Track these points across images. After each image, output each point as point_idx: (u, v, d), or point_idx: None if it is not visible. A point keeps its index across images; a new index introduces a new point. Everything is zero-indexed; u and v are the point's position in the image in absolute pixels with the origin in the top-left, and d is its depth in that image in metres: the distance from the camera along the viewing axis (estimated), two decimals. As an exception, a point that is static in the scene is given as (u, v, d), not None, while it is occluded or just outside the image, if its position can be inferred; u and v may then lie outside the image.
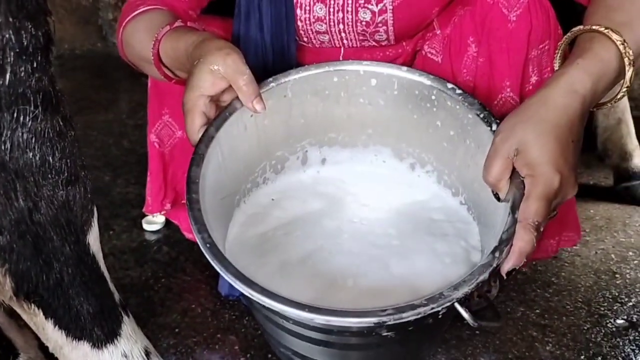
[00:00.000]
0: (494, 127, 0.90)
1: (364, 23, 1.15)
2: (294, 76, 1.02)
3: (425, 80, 1.00)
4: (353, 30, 1.17)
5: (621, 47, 0.81)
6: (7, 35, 0.63)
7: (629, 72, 0.83)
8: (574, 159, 0.79)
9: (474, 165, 0.96)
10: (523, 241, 0.76)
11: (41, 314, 0.77)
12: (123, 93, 2.03)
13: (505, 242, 0.77)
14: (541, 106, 0.80)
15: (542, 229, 0.77)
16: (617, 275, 1.33)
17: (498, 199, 0.83)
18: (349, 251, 0.98)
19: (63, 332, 0.79)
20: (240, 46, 1.19)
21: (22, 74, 0.63)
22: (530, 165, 0.78)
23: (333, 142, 1.11)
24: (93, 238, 0.77)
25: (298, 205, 1.07)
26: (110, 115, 1.97)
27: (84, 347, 0.80)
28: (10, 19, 0.62)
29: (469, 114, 0.95)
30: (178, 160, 1.31)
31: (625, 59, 0.82)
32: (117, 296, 0.83)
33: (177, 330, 1.27)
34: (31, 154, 0.67)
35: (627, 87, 0.84)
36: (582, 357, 1.14)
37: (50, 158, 0.69)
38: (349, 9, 1.14)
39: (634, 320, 1.22)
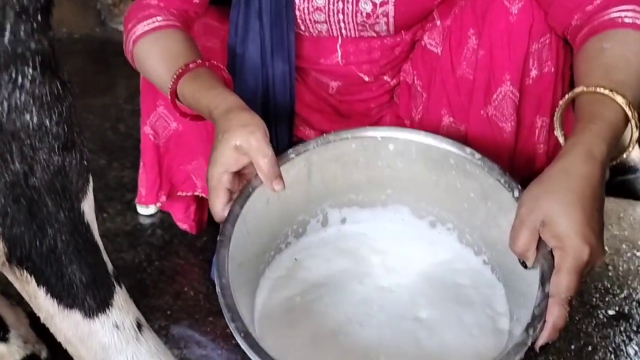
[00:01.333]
0: (516, 192, 0.91)
1: (364, 14, 1.15)
2: (313, 145, 1.04)
3: (443, 145, 1.01)
4: (353, 20, 1.16)
5: (627, 110, 0.82)
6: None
7: (635, 134, 0.84)
8: (600, 226, 0.80)
9: (496, 226, 0.97)
10: (556, 317, 0.77)
11: (33, 281, 0.77)
12: (121, 78, 2.02)
13: (538, 317, 0.78)
14: (564, 176, 0.80)
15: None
16: (610, 267, 1.34)
17: (525, 266, 0.84)
18: (379, 323, 0.99)
19: (55, 300, 0.79)
20: (238, 34, 1.18)
21: (22, 34, 0.63)
22: (558, 237, 0.78)
23: (352, 202, 1.13)
24: (88, 206, 0.77)
25: (322, 265, 1.08)
26: (108, 99, 1.97)
27: (76, 316, 0.80)
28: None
29: (489, 178, 0.96)
30: (173, 152, 1.30)
31: (632, 121, 0.83)
32: (110, 266, 0.82)
33: (169, 312, 1.27)
34: (28, 116, 0.67)
35: (633, 147, 0.85)
36: (573, 346, 1.14)
37: (48, 121, 0.68)
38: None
39: (625, 311, 1.22)
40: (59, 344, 1.10)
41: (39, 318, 1.13)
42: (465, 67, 1.13)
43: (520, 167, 1.13)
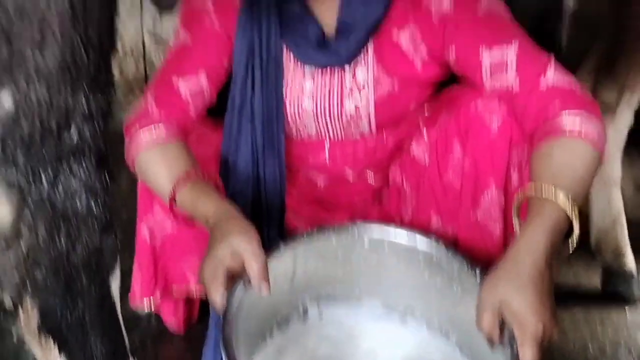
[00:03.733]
0: (478, 273, 1.05)
1: (348, 115, 1.29)
2: (302, 240, 1.16)
3: (411, 243, 1.15)
4: (338, 120, 1.30)
5: (570, 212, 0.98)
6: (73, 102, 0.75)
7: (576, 231, 0.99)
8: (551, 303, 0.94)
9: (462, 308, 1.08)
10: None
11: (56, 350, 0.83)
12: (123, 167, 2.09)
13: None
14: (515, 264, 0.96)
15: None
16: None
17: (492, 345, 0.96)
18: None
19: (72, 370, 0.85)
20: (232, 137, 1.30)
21: (87, 133, 0.75)
22: (514, 315, 0.92)
23: (329, 297, 1.23)
24: (115, 283, 0.85)
25: (305, 354, 1.16)
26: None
27: (90, 387, 0.85)
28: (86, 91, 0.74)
29: (454, 264, 1.10)
30: (170, 254, 1.35)
31: (574, 221, 0.99)
32: (127, 341, 0.89)
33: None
34: (79, 201, 0.77)
35: (576, 243, 1.01)
36: None
37: (94, 206, 0.79)
38: (335, 102, 1.28)
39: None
40: None
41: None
42: (451, 174, 1.25)
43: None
